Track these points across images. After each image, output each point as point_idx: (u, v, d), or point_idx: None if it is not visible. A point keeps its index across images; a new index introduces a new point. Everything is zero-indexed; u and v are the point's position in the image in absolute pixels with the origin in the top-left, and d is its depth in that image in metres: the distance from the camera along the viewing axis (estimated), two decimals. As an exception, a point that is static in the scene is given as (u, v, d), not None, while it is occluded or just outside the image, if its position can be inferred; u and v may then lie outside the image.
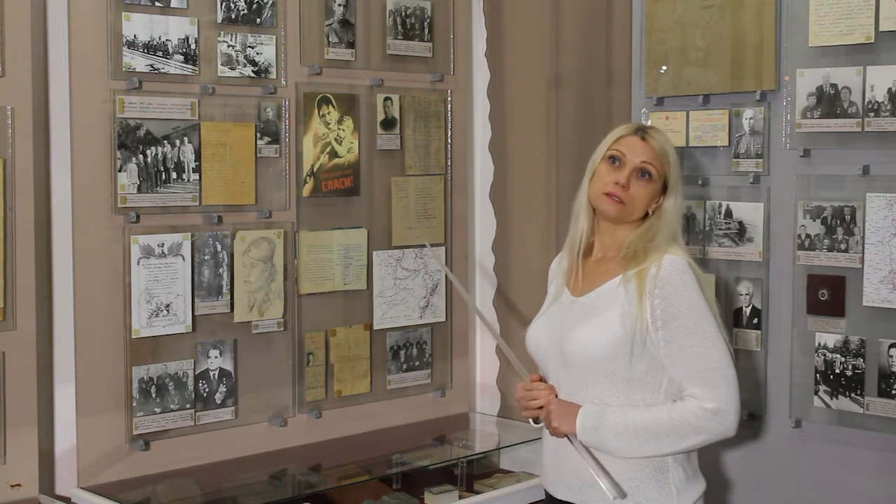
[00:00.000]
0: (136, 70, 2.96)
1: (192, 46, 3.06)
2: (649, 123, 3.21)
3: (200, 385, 3.11)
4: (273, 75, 3.23)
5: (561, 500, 2.43)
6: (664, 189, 2.39)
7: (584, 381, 2.35)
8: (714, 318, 2.32)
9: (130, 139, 2.96)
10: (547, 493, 2.50)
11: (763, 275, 3.07)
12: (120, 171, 2.94)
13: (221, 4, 3.11)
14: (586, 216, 2.44)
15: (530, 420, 2.48)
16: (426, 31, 3.60)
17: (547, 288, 2.59)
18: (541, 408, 2.38)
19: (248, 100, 3.18)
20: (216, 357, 3.14)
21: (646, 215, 2.39)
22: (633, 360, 2.31)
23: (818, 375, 2.95)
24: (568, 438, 2.34)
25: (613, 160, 2.38)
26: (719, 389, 2.27)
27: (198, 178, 3.08)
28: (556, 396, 2.39)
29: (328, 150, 3.38)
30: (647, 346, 2.30)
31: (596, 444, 2.32)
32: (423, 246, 3.57)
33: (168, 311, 3.03)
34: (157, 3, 2.99)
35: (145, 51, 2.97)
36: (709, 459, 2.36)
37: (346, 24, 3.40)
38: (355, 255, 3.45)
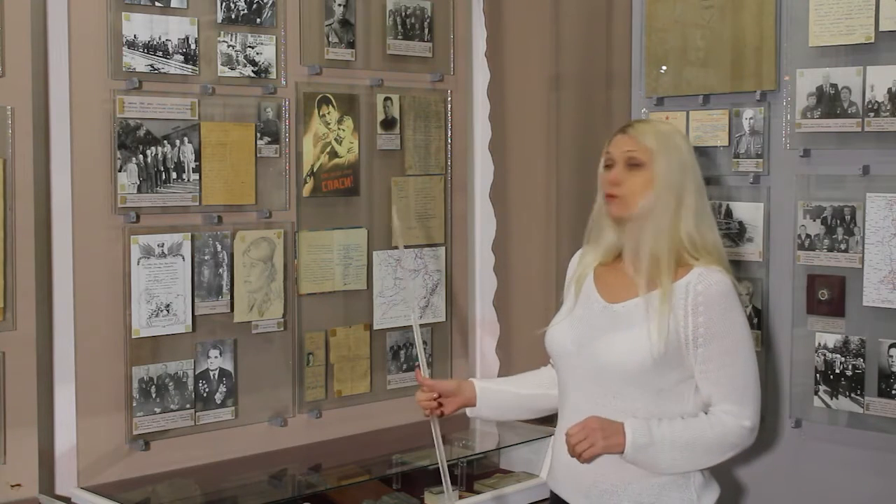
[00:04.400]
0: (136, 70, 2.96)
1: (192, 46, 3.06)
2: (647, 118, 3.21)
3: (200, 385, 3.11)
4: (273, 75, 3.23)
5: None
6: None
7: (615, 392, 2.33)
8: (751, 337, 2.35)
9: (130, 139, 2.96)
10: (554, 495, 2.50)
11: (763, 275, 3.07)
12: (120, 171, 2.94)
13: (221, 4, 3.11)
14: (610, 226, 2.44)
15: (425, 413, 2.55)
16: (426, 31, 3.60)
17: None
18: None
19: (248, 100, 3.19)
20: (216, 357, 3.14)
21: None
22: (669, 373, 2.31)
23: (818, 375, 2.95)
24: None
25: (607, 166, 2.42)
26: (750, 407, 2.32)
27: (198, 178, 3.08)
28: (436, 397, 2.49)
29: (328, 150, 3.38)
30: (684, 361, 2.30)
31: (643, 461, 2.30)
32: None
33: (168, 311, 3.03)
34: (157, 3, 2.99)
35: (145, 51, 2.97)
36: (709, 459, 2.37)
37: (346, 24, 3.40)
38: (355, 255, 3.45)
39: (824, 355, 2.94)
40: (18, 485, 2.79)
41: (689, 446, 2.29)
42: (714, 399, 2.32)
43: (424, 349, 3.64)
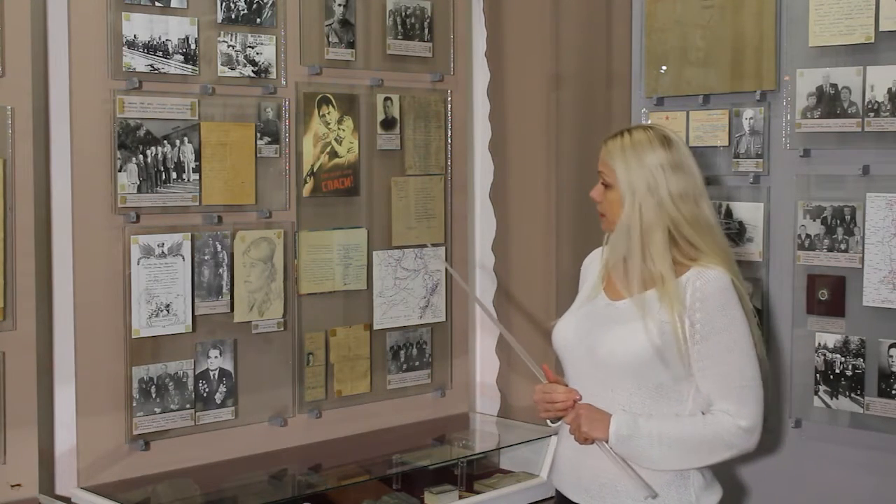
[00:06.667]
0: (136, 70, 2.96)
1: (192, 46, 3.06)
2: (648, 123, 3.22)
3: (200, 385, 3.11)
4: (273, 75, 3.23)
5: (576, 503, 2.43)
6: None
7: (612, 385, 2.34)
8: (751, 335, 2.32)
9: (130, 139, 2.96)
10: (558, 493, 2.50)
11: (763, 275, 3.07)
12: (120, 171, 2.94)
13: (221, 4, 3.11)
14: None
15: (548, 421, 2.47)
16: (426, 31, 3.60)
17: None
18: (564, 409, 2.37)
19: (248, 100, 3.18)
20: (216, 357, 3.14)
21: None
22: (665, 369, 2.30)
23: (818, 375, 2.95)
24: (597, 444, 2.33)
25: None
26: (751, 407, 2.29)
27: (198, 178, 3.08)
28: (579, 399, 2.37)
29: (328, 150, 3.38)
30: (682, 358, 2.30)
31: (628, 454, 2.31)
32: (424, 246, 3.57)
33: (168, 311, 3.03)
34: (157, 3, 2.99)
35: (145, 51, 2.97)
36: (709, 459, 2.37)
37: (346, 24, 3.40)
38: (355, 255, 3.45)
39: (824, 355, 2.94)
40: (18, 485, 2.79)
41: (678, 443, 2.28)
42: (713, 398, 2.31)
43: (426, 349, 3.64)
